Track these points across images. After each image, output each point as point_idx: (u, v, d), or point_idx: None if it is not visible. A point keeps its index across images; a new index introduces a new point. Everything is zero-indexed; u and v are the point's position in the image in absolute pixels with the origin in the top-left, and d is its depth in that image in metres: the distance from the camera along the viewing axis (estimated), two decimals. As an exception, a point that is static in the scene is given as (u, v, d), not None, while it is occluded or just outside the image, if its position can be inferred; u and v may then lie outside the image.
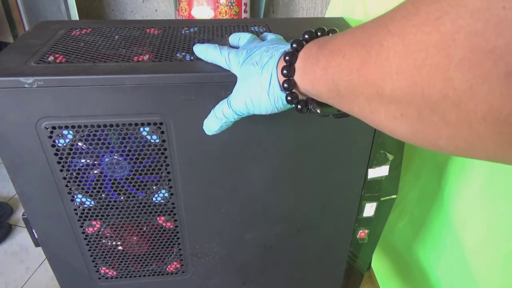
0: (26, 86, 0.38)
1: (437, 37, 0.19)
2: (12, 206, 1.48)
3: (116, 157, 0.44)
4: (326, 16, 0.69)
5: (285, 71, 0.33)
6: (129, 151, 0.44)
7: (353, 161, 0.49)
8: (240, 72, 0.38)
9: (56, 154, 0.43)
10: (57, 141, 0.42)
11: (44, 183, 0.45)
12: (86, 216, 0.48)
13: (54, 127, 0.41)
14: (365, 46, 0.24)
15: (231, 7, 1.43)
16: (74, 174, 0.45)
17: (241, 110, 0.38)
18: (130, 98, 0.40)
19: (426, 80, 0.20)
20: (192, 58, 0.43)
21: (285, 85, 0.33)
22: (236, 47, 0.42)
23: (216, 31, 0.50)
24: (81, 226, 0.49)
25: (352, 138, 0.47)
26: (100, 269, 0.54)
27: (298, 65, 0.32)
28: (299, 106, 0.34)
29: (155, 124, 0.42)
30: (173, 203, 0.49)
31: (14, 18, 1.62)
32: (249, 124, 0.41)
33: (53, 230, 0.49)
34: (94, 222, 0.49)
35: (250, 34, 0.42)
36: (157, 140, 0.43)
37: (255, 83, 0.36)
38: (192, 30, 0.51)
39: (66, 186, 0.45)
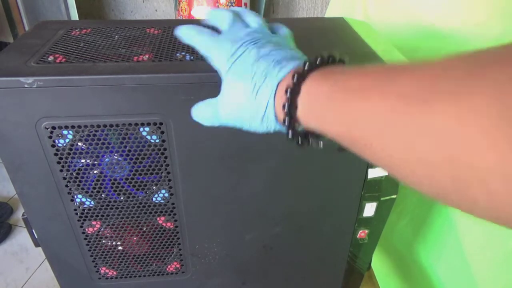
0: (26, 86, 0.38)
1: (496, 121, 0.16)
2: (12, 206, 1.48)
3: (116, 157, 0.44)
4: (326, 16, 0.69)
5: (286, 110, 0.29)
6: (129, 151, 0.44)
7: (353, 161, 0.49)
8: (227, 78, 0.33)
9: (56, 154, 0.43)
10: (57, 141, 0.42)
11: (44, 183, 0.45)
12: (86, 216, 0.48)
13: (54, 127, 0.41)
14: (406, 99, 0.21)
15: (231, 7, 1.43)
16: (74, 174, 0.45)
17: (229, 125, 0.36)
18: (130, 98, 0.40)
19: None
20: (192, 58, 0.43)
21: (286, 123, 0.30)
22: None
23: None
24: (81, 226, 0.49)
25: (352, 138, 0.46)
26: (100, 269, 0.54)
27: (302, 100, 0.28)
28: (299, 142, 0.31)
29: (155, 124, 0.42)
30: (173, 203, 0.49)
31: (14, 18, 1.63)
32: (249, 124, 0.41)
33: (53, 230, 0.49)
34: (94, 222, 0.49)
35: (231, 14, 0.36)
36: (157, 140, 0.43)
37: (247, 105, 0.32)
38: (192, 30, 0.51)
39: (66, 186, 0.45)
